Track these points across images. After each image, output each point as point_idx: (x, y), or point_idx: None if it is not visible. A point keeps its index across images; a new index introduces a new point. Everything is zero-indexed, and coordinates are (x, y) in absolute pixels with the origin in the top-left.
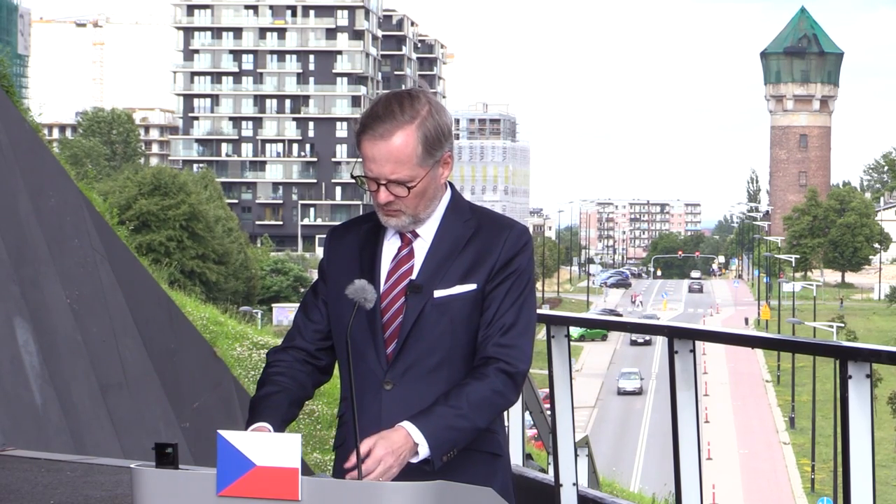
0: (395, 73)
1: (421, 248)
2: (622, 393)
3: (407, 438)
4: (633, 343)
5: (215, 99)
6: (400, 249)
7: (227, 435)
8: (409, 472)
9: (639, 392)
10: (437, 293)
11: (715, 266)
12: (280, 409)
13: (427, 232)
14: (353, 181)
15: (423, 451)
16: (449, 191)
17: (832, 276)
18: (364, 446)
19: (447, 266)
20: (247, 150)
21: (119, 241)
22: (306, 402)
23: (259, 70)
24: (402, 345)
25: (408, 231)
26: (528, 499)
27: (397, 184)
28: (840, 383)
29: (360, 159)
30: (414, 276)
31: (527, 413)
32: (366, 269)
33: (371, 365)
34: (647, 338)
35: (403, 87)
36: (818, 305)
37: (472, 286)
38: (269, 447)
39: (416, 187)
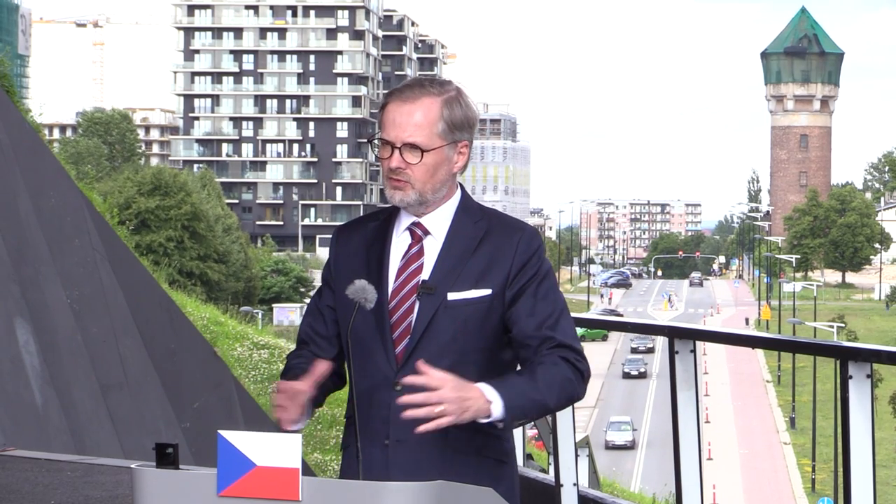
0: (396, 73)
1: (431, 246)
2: (610, 447)
3: (481, 394)
4: (626, 376)
5: (216, 99)
6: (410, 247)
7: (228, 435)
8: (409, 473)
9: (630, 446)
10: (451, 296)
11: (715, 266)
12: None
13: (438, 230)
14: (354, 183)
15: (497, 410)
16: (460, 190)
17: (833, 276)
18: (435, 381)
19: (460, 268)
20: (247, 150)
21: (119, 241)
22: None
23: (259, 70)
24: (415, 346)
25: (410, 210)
26: (528, 499)
27: (411, 148)
28: (840, 383)
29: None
30: (426, 276)
31: None
32: (373, 267)
33: (380, 364)
34: (642, 369)
35: None
36: (819, 305)
37: (487, 291)
38: (269, 447)
39: (429, 158)
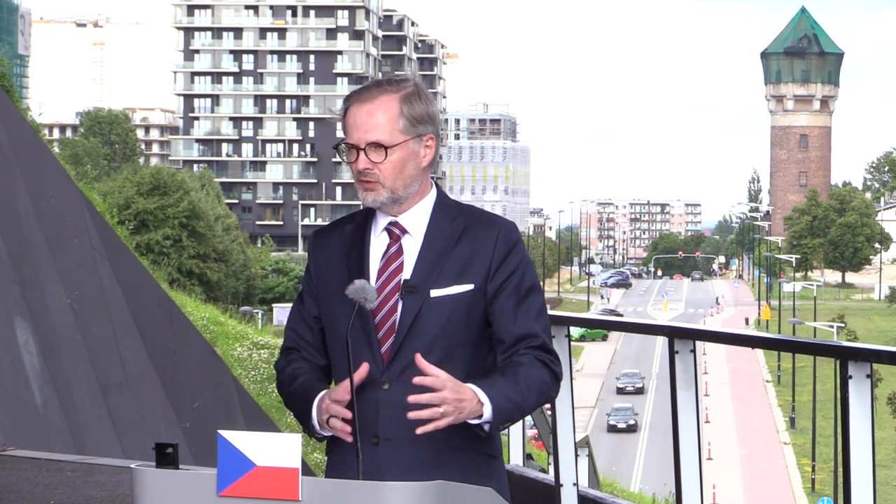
0: (396, 73)
1: (409, 245)
2: None
3: (474, 397)
4: (612, 429)
5: (216, 99)
6: (389, 247)
7: (228, 435)
8: (401, 470)
9: None
10: (434, 293)
11: (715, 266)
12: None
13: (416, 229)
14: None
15: (487, 413)
16: (434, 189)
17: (832, 276)
18: (434, 380)
19: (441, 265)
20: (247, 150)
21: (119, 240)
22: None
23: (259, 70)
24: (400, 345)
25: (385, 210)
26: (528, 499)
27: (375, 147)
28: (840, 383)
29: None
30: (407, 275)
31: None
32: (355, 269)
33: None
34: (631, 421)
35: None
36: (819, 305)
37: (470, 286)
38: (269, 447)
39: (394, 154)
